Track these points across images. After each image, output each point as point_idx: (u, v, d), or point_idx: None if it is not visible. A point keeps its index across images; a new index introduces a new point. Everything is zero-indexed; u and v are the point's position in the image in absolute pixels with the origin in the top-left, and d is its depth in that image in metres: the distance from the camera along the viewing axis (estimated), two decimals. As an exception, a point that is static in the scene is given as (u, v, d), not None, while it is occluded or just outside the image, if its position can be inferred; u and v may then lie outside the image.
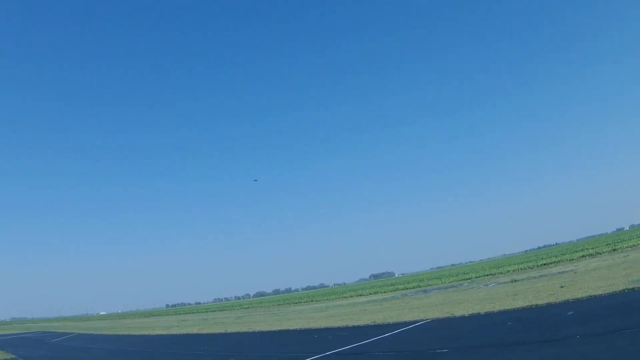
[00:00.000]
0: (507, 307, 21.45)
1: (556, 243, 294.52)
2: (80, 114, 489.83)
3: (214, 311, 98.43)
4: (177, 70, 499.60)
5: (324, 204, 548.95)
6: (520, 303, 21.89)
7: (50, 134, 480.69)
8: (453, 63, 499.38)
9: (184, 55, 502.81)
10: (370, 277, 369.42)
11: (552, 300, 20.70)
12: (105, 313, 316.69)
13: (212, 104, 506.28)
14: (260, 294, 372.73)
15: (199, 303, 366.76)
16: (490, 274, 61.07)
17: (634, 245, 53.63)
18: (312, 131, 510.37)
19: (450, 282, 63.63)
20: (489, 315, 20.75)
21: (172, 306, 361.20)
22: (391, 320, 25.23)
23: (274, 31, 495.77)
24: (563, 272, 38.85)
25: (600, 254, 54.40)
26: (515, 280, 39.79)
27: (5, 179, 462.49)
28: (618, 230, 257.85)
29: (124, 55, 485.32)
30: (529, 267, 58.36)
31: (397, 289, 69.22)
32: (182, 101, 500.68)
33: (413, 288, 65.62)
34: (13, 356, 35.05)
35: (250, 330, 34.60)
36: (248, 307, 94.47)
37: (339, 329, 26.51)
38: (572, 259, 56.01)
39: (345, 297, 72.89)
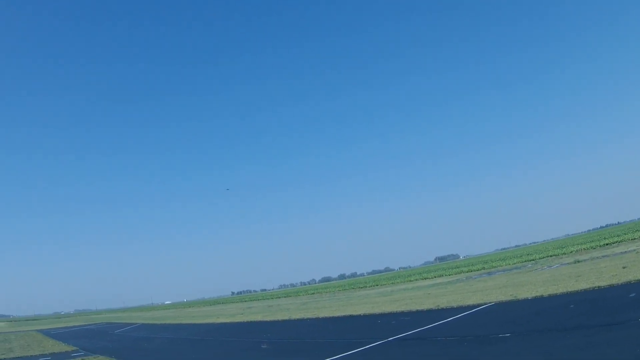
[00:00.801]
0: (570, 289, 21.14)
1: (618, 222, 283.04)
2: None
3: (279, 297, 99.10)
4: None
5: (389, 186, 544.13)
6: (582, 285, 21.53)
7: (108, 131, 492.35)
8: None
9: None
10: (435, 259, 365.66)
11: (615, 281, 20.35)
12: (170, 302, 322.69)
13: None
14: (326, 279, 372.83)
15: (265, 290, 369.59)
16: (554, 255, 59.67)
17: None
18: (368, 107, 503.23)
19: (514, 263, 62.58)
20: (552, 297, 20.54)
21: (238, 293, 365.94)
22: (455, 304, 25.13)
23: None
24: (625, 252, 37.78)
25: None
26: (578, 261, 38.89)
27: (71, 173, 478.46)
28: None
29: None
30: (591, 247, 56.83)
31: (462, 272, 68.59)
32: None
33: (477, 270, 64.89)
34: (74, 348, 34.92)
35: (315, 317, 34.74)
36: (313, 293, 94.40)
37: (402, 313, 26.54)
38: (634, 239, 54.17)
39: (410, 281, 72.40)
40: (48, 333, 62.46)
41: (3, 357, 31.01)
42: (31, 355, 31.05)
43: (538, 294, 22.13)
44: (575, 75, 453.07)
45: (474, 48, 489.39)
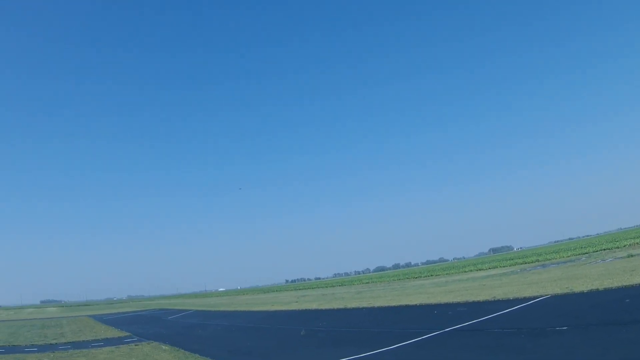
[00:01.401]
0: (625, 283, 20.98)
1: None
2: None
3: (334, 286, 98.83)
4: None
5: (446, 176, 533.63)
6: (637, 279, 21.31)
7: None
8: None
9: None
10: (489, 251, 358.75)
11: (668, 276, 20.03)
12: (223, 290, 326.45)
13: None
14: (380, 269, 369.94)
15: (319, 278, 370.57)
16: (607, 249, 58.12)
17: None
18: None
19: (568, 256, 61.24)
20: (607, 291, 20.39)
21: (292, 282, 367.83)
22: (510, 296, 25.05)
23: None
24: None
25: None
26: (632, 255, 38.03)
27: (140, 162, 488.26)
28: None
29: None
30: (644, 241, 55.01)
31: (516, 263, 67.53)
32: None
33: (532, 262, 63.80)
34: (127, 334, 34.94)
35: (370, 306, 34.77)
36: (368, 282, 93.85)
37: (458, 304, 26.51)
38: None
39: (465, 272, 71.58)
40: (100, 319, 63.46)
41: (55, 341, 31.22)
42: (83, 340, 31.37)
43: (593, 287, 21.95)
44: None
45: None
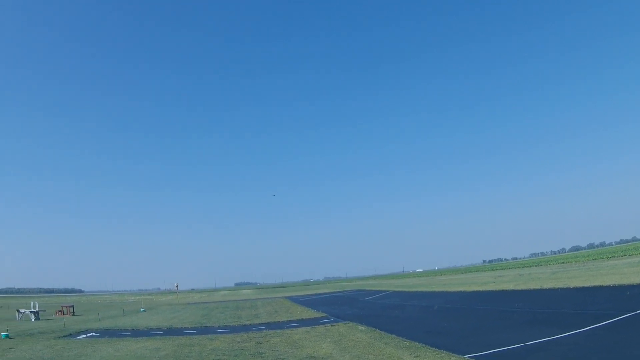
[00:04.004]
0: None
1: None
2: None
3: (530, 266, 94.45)
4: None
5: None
6: None
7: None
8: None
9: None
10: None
11: None
12: (421, 270, 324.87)
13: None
14: (576, 248, 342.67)
15: (516, 258, 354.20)
16: None
17: None
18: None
19: None
20: None
21: (489, 262, 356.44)
22: None
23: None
24: None
25: None
26: None
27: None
28: None
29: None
30: None
31: None
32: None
33: None
34: (323, 314, 34.47)
35: (565, 286, 33.46)
36: (563, 262, 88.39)
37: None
38: None
39: (658, 251, 63.89)
40: (296, 300, 63.85)
41: (249, 322, 31.58)
42: (278, 321, 31.20)
43: None
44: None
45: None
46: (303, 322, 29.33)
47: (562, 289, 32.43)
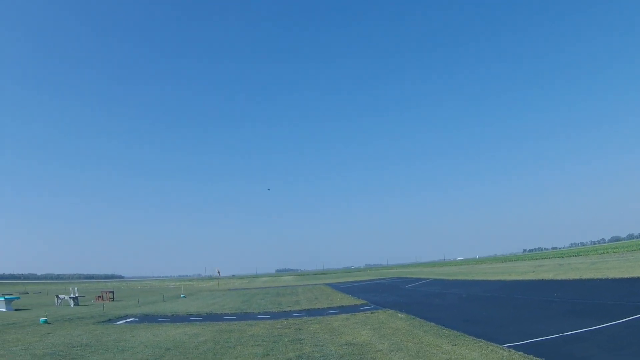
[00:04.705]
0: None
1: None
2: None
3: (569, 256, 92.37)
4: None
5: None
6: None
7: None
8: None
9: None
10: None
11: None
12: (462, 258, 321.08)
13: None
14: (615, 239, 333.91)
15: (555, 248, 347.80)
16: None
17: None
18: None
19: None
20: None
21: (529, 251, 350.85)
22: None
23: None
24: None
25: None
26: None
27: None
28: None
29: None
30: None
31: None
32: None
33: None
34: (364, 301, 34.06)
35: (604, 277, 33.17)
36: (602, 253, 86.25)
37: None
38: None
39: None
40: (337, 287, 62.84)
41: (289, 309, 31.32)
42: (318, 308, 30.92)
43: None
44: None
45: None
46: (343, 309, 29.20)
47: (601, 280, 32.15)
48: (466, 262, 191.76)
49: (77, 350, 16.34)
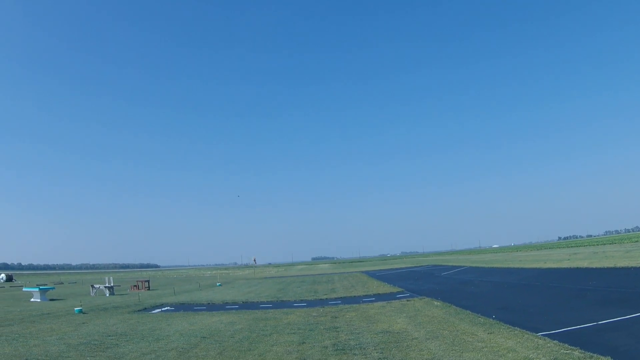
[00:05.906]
0: None
1: None
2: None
3: (604, 244, 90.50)
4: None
5: None
6: None
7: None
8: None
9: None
10: None
11: None
12: (497, 246, 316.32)
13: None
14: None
15: (590, 235, 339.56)
16: None
17: None
18: None
19: None
20: None
21: (564, 239, 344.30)
22: None
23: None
24: None
25: None
26: None
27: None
28: None
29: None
30: None
31: None
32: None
33: None
34: (399, 289, 33.39)
35: (638, 265, 32.64)
36: (637, 241, 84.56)
37: None
38: None
39: None
40: (373, 275, 61.91)
41: (325, 297, 31.01)
42: (354, 296, 30.54)
43: None
44: None
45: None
46: (379, 297, 28.81)
47: (635, 268, 31.53)
48: (502, 249, 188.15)
49: (112, 339, 16.37)
